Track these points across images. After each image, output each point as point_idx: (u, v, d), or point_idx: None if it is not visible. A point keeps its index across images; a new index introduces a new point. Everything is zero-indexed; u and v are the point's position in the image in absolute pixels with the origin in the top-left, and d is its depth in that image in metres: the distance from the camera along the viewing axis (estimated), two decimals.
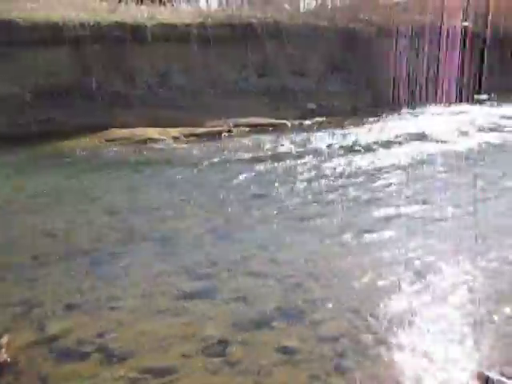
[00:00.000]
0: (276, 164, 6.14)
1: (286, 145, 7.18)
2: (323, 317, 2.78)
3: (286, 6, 15.18)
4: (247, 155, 6.59)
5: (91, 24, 8.99)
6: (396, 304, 2.89)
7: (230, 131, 8.24)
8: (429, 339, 2.57)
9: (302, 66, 10.59)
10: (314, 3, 14.22)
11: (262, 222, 4.23)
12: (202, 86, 9.80)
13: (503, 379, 2.23)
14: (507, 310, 2.80)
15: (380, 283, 3.14)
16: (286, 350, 2.51)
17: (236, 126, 8.53)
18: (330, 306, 2.90)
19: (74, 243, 3.83)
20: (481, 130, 8.26)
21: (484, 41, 12.18)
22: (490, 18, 12.29)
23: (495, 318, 2.74)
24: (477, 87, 11.75)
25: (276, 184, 5.30)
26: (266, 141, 7.45)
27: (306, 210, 4.48)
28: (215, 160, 6.38)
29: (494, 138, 7.69)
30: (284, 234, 3.96)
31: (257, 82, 10.30)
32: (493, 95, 11.36)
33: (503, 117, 9.41)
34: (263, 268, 3.38)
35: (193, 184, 5.37)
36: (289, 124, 8.85)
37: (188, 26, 9.83)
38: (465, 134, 8.00)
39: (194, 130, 8.07)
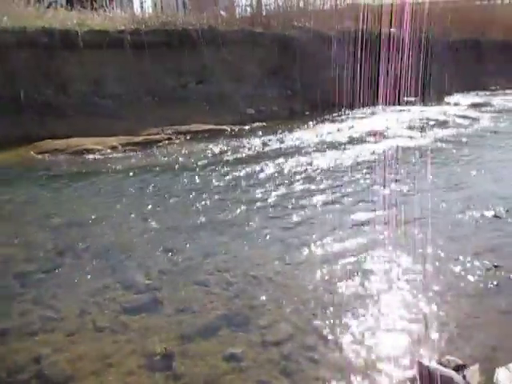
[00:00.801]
0: (214, 170, 6.11)
1: (223, 151, 7.19)
2: (269, 321, 2.80)
3: (222, 12, 15.26)
4: (186, 162, 6.52)
5: (16, 30, 8.53)
6: (339, 304, 2.97)
7: (169, 139, 8.12)
8: (372, 337, 2.66)
9: (239, 72, 10.66)
10: (249, 10, 14.41)
11: (202, 229, 4.19)
12: (140, 93, 9.60)
13: (440, 367, 2.35)
14: None
15: (323, 284, 3.21)
16: (232, 358, 2.50)
17: (176, 133, 8.42)
18: (276, 309, 2.92)
19: (1, 264, 3.59)
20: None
21: (412, 46, 12.86)
22: (414, 24, 12.99)
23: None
24: (406, 89, 12.38)
25: (213, 189, 5.27)
26: (206, 147, 7.42)
27: (246, 216, 4.50)
28: (153, 169, 6.25)
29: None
30: (225, 240, 3.94)
31: (195, 89, 10.24)
32: (420, 97, 12.03)
33: (441, 114, 10.29)
34: (208, 277, 3.35)
35: (131, 194, 5.23)
36: (229, 129, 8.88)
37: (121, 32, 9.59)
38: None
39: (133, 139, 7.86)
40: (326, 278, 3.28)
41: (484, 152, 7.05)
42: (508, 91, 16.02)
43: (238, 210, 4.62)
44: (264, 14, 13.45)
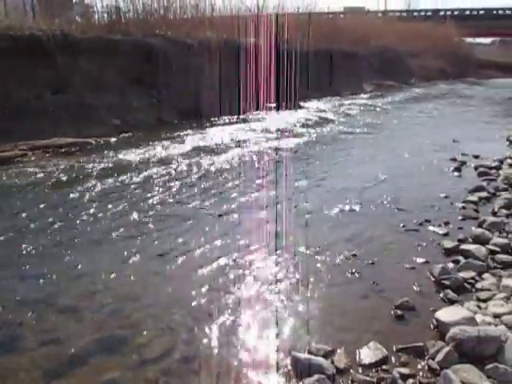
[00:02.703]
0: (75, 186, 5.69)
1: (85, 166, 6.75)
2: (145, 339, 2.71)
3: (77, 17, 14.41)
4: (41, 180, 5.98)
5: None
6: (214, 309, 2.99)
7: (24, 155, 7.37)
8: (247, 338, 2.73)
9: (100, 81, 10.13)
10: (106, 16, 13.82)
11: (66, 250, 3.89)
12: None
13: (311, 356, 2.51)
14: None
15: (199, 294, 3.21)
16: None
17: (32, 149, 7.67)
18: (152, 326, 2.84)
19: None
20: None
21: (271, 56, 13.57)
22: (273, 35, 13.77)
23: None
24: (267, 97, 13.04)
25: (75, 207, 4.94)
26: (66, 163, 6.90)
27: (113, 232, 4.30)
28: (1, 190, 5.63)
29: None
30: (94, 259, 3.72)
31: (52, 100, 9.43)
32: (281, 103, 12.81)
33: (301, 117, 11.53)
34: (75, 301, 3.11)
35: None
36: (93, 142, 8.39)
37: None
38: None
39: None
40: (201, 287, 3.28)
41: (343, 148, 7.80)
42: (358, 95, 17.93)
43: (102, 227, 4.39)
44: (123, 20, 13.01)
